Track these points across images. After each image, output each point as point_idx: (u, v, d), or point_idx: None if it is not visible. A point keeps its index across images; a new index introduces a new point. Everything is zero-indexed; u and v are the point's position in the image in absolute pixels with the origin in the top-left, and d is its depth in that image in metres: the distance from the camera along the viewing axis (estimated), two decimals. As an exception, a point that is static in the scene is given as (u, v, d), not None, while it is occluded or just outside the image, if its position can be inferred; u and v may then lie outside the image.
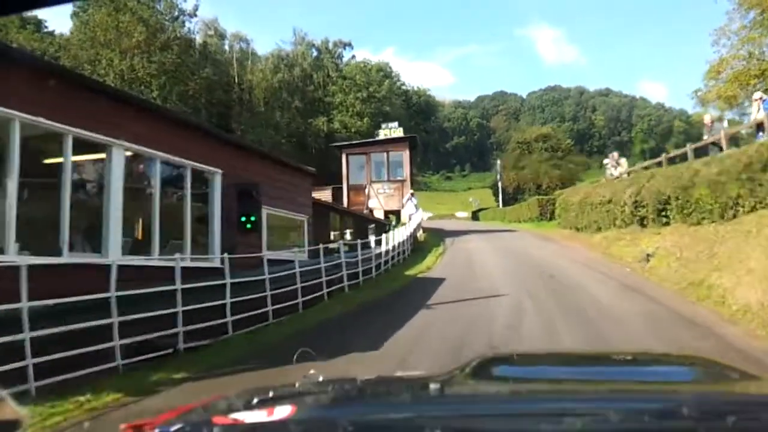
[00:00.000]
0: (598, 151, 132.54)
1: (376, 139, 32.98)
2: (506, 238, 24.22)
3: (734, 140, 15.03)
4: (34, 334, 5.85)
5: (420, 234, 25.73)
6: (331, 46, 57.68)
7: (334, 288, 12.85)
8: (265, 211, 12.19)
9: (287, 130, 47.11)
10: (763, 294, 7.94)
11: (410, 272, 16.62)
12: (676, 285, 10.52)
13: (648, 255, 12.64)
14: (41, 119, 7.06)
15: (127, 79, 40.81)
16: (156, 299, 7.64)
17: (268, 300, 10.12)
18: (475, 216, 58.58)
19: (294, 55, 53.60)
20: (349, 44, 58.32)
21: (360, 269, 14.59)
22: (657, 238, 13.25)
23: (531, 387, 1.70)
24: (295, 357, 2.60)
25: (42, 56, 29.13)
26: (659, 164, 17.33)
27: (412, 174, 33.19)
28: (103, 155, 8.39)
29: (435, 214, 70.90)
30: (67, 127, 7.48)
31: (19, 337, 5.75)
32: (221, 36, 53.23)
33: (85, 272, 7.40)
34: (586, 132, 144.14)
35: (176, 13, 44.55)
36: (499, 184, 55.94)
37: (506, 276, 13.68)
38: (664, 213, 13.62)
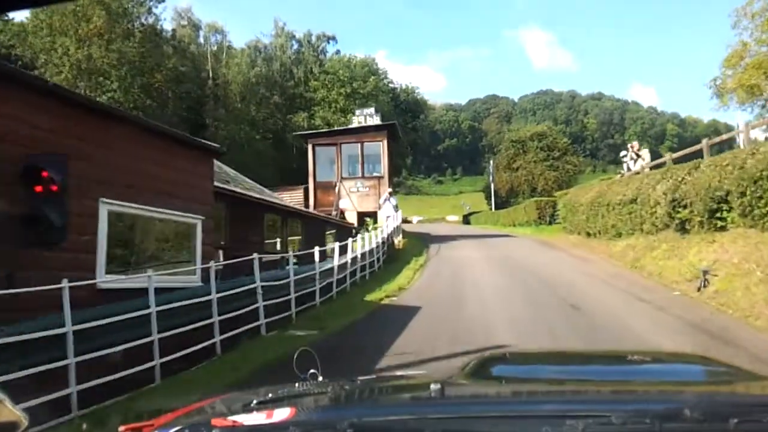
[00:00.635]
0: (591, 155, 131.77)
1: (349, 127, 28.29)
2: (503, 245, 20.67)
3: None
4: None
5: (398, 240, 21.72)
6: (313, 39, 54.69)
7: (245, 328, 8.56)
8: (103, 207, 7.47)
9: (264, 126, 43.60)
10: None
11: (374, 296, 12.40)
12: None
13: (705, 273, 9.12)
14: None
15: (85, 69, 37.42)
16: None
17: (71, 375, 5.53)
18: (466, 220, 56.17)
19: (273, 47, 50.44)
20: (333, 38, 55.22)
21: (293, 296, 10.14)
22: (712, 249, 9.84)
23: (532, 388, 1.67)
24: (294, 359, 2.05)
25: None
26: (694, 155, 13.82)
27: (391, 169, 28.25)
28: None
29: (425, 218, 69.72)
30: None
31: None
32: (195, 27, 50.25)
33: None
34: (579, 135, 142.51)
35: (142, -1, 41.07)
36: (492, 186, 53.19)
37: (509, 305, 9.96)
38: (718, 215, 10.20)
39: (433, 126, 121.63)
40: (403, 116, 56.28)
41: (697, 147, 13.92)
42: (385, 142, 26.13)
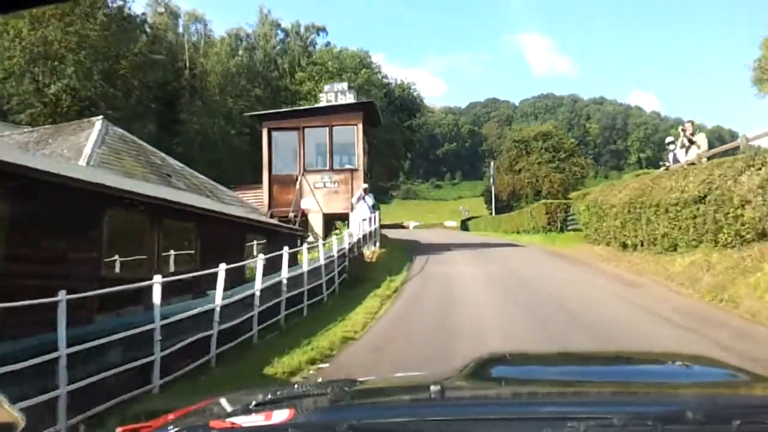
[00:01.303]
0: (593, 159, 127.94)
1: (315, 106, 23.23)
2: (509, 258, 16.51)
3: None
4: None
5: (371, 252, 16.86)
6: (302, 30, 50.93)
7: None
8: None
9: (241, 120, 39.54)
10: None
11: (291, 358, 7.14)
12: None
13: None
14: None
15: (38, 53, 33.53)
16: None
17: None
18: (464, 225, 52.02)
19: (256, 35, 46.68)
20: (323, 29, 51.44)
21: (158, 355, 5.96)
22: None
23: (532, 389, 1.65)
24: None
25: None
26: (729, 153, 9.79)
27: (368, 160, 22.76)
28: None
29: (422, 223, 66.47)
30: None
31: None
32: (174, 15, 46.59)
33: None
34: (581, 140, 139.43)
35: (106, -23, 37.17)
36: (493, 189, 49.28)
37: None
38: None
39: (432, 129, 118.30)
40: (398, 114, 52.44)
41: (734, 144, 12.51)
42: (360, 126, 20.65)
